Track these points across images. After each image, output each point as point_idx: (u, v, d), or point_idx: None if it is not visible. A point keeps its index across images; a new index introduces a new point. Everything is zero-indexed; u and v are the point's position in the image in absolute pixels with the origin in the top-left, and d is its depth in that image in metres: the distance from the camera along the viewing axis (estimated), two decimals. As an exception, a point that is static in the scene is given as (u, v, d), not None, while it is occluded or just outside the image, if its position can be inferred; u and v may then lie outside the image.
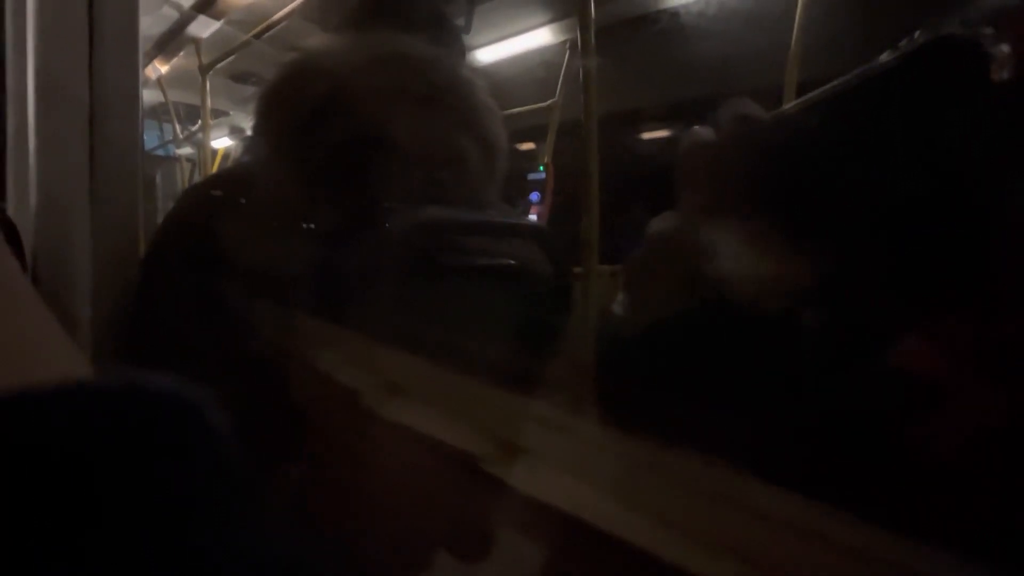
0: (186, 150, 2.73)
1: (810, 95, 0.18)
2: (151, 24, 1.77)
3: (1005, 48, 0.15)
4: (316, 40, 0.39)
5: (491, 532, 0.32)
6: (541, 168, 1.91)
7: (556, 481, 0.20)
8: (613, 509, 0.17)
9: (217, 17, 1.74)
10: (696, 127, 0.20)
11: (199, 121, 2.05)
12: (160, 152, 2.94)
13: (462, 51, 0.46)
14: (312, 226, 0.34)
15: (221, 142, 2.52)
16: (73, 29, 0.40)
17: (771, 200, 0.18)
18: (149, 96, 2.34)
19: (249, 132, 0.40)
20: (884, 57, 0.17)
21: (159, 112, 2.64)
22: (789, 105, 0.19)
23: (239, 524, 0.12)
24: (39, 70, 0.40)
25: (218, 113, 2.38)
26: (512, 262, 0.36)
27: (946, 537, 0.13)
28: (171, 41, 1.88)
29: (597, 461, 0.21)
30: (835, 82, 0.18)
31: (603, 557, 0.17)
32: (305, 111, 0.34)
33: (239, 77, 2.12)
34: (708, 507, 0.15)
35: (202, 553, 0.11)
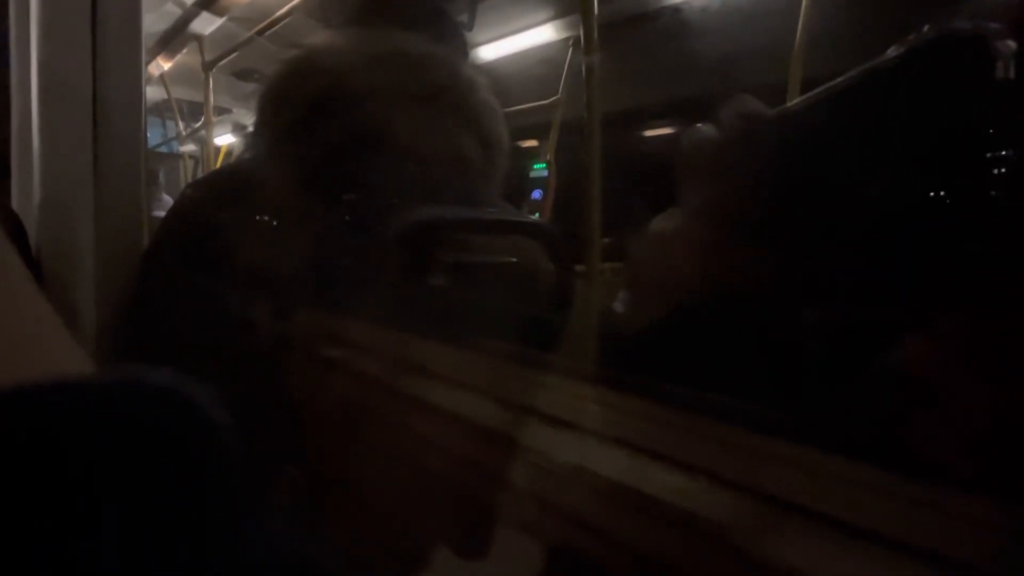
0: (189, 147, 2.73)
1: (813, 92, 0.18)
2: (154, 21, 1.77)
3: (1010, 43, 0.15)
4: (317, 37, 0.39)
5: (492, 529, 0.32)
6: (543, 165, 1.91)
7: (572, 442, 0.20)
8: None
9: (220, 14, 1.74)
10: (698, 124, 0.20)
11: (202, 118, 2.05)
12: (163, 149, 2.95)
13: (464, 48, 0.46)
14: (312, 224, 0.34)
15: (224, 139, 2.52)
16: (76, 26, 0.40)
17: (773, 198, 0.18)
18: (152, 93, 2.34)
19: (251, 129, 0.39)
20: (890, 52, 0.17)
21: (162, 109, 2.64)
22: (793, 102, 0.19)
23: (241, 521, 0.12)
24: (42, 66, 0.40)
25: (221, 110, 2.38)
26: (514, 260, 0.36)
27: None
28: (174, 38, 1.88)
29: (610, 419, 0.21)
30: (839, 79, 0.17)
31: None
32: (305, 108, 0.34)
33: (242, 74, 2.12)
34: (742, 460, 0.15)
35: (205, 550, 0.11)
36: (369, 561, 0.33)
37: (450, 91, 0.35)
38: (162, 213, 0.43)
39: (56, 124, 0.40)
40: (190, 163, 2.78)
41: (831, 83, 0.18)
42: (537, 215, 1.78)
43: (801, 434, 0.15)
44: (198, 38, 1.87)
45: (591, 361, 0.24)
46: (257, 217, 0.37)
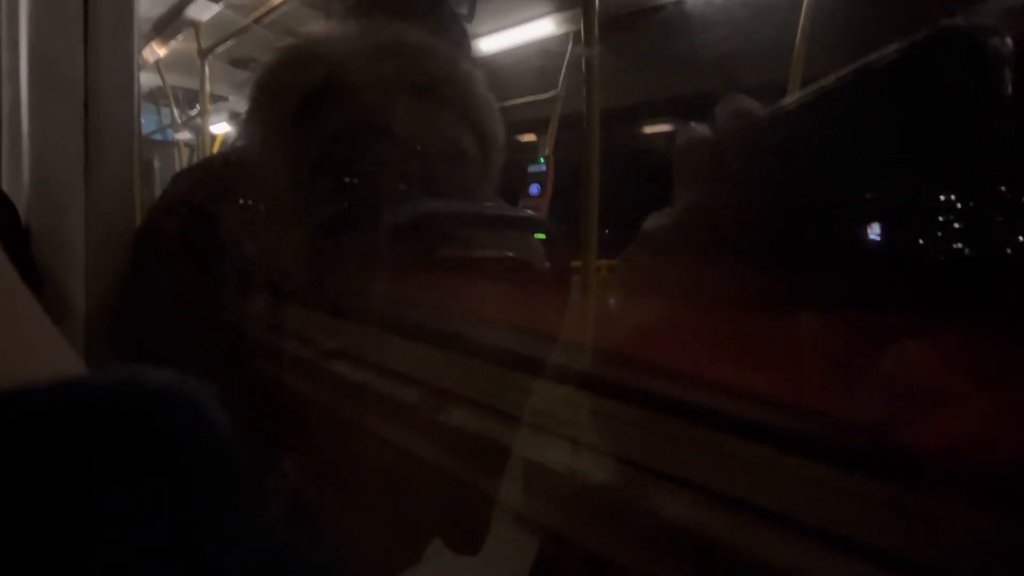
0: (184, 135, 2.71)
1: (807, 90, 0.18)
2: (150, 6, 1.76)
3: (1008, 41, 0.15)
4: (313, 26, 0.39)
5: (486, 524, 0.32)
6: (542, 160, 1.90)
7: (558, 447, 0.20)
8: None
9: (216, 0, 1.72)
10: (693, 123, 0.19)
11: (198, 106, 2.03)
12: (158, 137, 2.92)
13: (465, 40, 0.46)
14: (307, 214, 0.34)
15: (220, 127, 2.50)
16: (68, 8, 0.39)
17: (767, 197, 0.18)
18: (147, 79, 2.32)
19: (243, 117, 0.39)
20: (888, 50, 0.16)
21: (157, 96, 2.62)
22: (786, 100, 0.19)
23: (240, 520, 0.12)
24: (33, 49, 0.39)
25: (217, 98, 2.36)
26: (510, 255, 0.35)
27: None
28: (170, 24, 1.86)
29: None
30: (832, 76, 0.17)
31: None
32: (301, 97, 0.34)
33: (238, 62, 2.10)
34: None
35: (204, 547, 0.11)
36: (364, 556, 0.33)
37: (447, 84, 0.35)
38: None
39: (46, 108, 0.40)
40: (185, 151, 2.76)
41: (825, 81, 0.17)
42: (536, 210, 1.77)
43: (795, 443, 0.15)
44: (194, 24, 1.85)
45: (585, 360, 0.24)
46: (249, 206, 0.37)
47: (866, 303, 0.17)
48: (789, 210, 0.18)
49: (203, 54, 1.84)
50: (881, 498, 0.14)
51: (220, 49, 1.84)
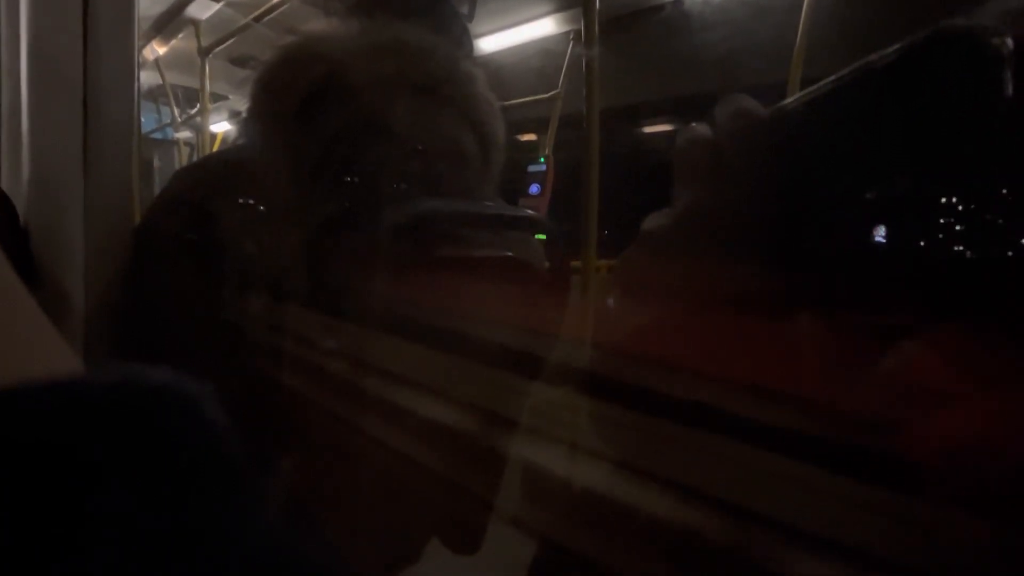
0: (184, 134, 2.71)
1: (807, 90, 0.18)
2: (149, 4, 1.75)
3: (1008, 41, 0.15)
4: (314, 24, 0.39)
5: (484, 523, 0.32)
6: (542, 160, 1.90)
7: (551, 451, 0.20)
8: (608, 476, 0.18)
9: (217, -1, 1.72)
10: (693, 124, 0.20)
11: (198, 104, 2.03)
12: (158, 135, 2.92)
13: (467, 39, 0.46)
14: (307, 213, 0.34)
15: (220, 126, 2.50)
16: (68, 8, 0.39)
17: (767, 198, 0.18)
18: (147, 78, 2.32)
19: (243, 115, 0.39)
20: (888, 50, 0.16)
21: (157, 94, 2.62)
22: (786, 101, 0.19)
23: (241, 518, 0.12)
24: (32, 47, 0.39)
25: (217, 96, 2.36)
26: (510, 255, 0.35)
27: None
28: (170, 22, 1.86)
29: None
30: (833, 77, 0.17)
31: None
32: (302, 96, 0.34)
33: (239, 60, 2.10)
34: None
35: (204, 547, 0.11)
36: (364, 556, 0.33)
37: (448, 84, 0.35)
38: None
39: (46, 108, 0.39)
40: (185, 150, 2.76)
41: (825, 81, 0.17)
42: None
43: (795, 445, 0.15)
44: (194, 23, 1.85)
45: (584, 361, 0.24)
46: (249, 205, 0.37)
47: (866, 304, 0.17)
48: (789, 210, 0.18)
49: (203, 52, 1.85)
50: (881, 500, 0.14)
51: (220, 48, 1.84)
